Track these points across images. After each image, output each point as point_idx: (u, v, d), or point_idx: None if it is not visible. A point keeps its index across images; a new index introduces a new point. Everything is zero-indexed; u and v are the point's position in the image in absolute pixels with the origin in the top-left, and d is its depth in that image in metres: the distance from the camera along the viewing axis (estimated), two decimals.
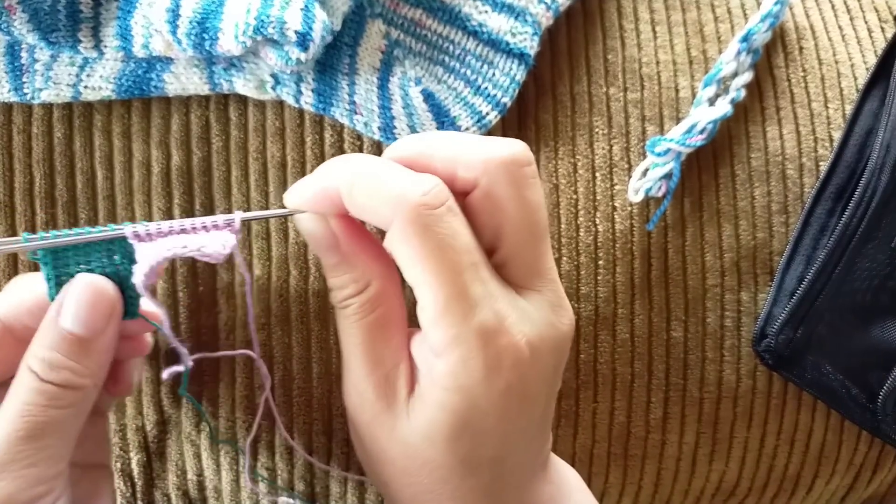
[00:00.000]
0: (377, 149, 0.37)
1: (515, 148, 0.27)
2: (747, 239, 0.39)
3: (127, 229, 0.27)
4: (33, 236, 0.27)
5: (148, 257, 0.27)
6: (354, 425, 0.30)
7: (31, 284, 0.29)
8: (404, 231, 0.25)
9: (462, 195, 0.27)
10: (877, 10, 0.43)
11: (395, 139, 0.36)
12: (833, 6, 0.43)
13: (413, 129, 0.36)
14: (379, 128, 0.36)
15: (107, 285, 0.28)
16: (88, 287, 0.27)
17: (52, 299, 0.28)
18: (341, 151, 0.37)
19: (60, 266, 0.28)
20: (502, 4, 0.37)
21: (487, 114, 0.36)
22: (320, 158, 0.37)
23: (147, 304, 0.29)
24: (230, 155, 0.37)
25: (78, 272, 0.28)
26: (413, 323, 0.28)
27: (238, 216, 0.28)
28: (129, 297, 0.28)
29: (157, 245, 0.27)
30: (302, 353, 0.37)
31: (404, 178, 0.26)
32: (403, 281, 0.28)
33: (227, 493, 0.38)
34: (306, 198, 0.28)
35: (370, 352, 0.29)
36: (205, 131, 0.37)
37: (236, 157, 0.37)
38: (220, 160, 0.37)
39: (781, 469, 0.41)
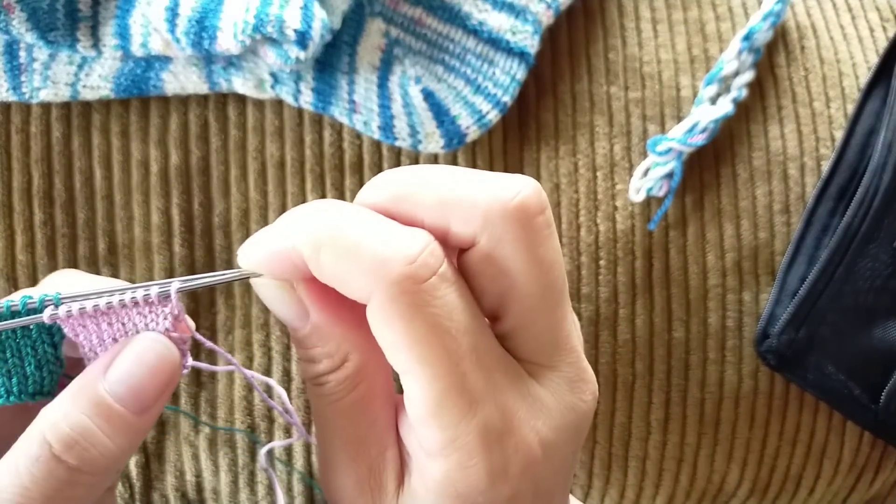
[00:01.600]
0: (377, 148, 0.37)
1: (524, 191, 0.22)
2: (749, 239, 0.39)
3: (45, 314, 0.22)
4: None
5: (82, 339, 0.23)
6: None
7: (74, 280, 0.25)
8: (386, 311, 0.20)
9: (457, 250, 0.23)
10: (878, 9, 0.43)
11: (395, 138, 0.36)
12: (834, 5, 0.43)
13: (413, 128, 0.36)
14: (378, 127, 0.36)
15: (174, 349, 0.22)
16: (152, 348, 0.22)
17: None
18: (340, 150, 0.37)
19: None
20: (503, 3, 0.37)
21: (488, 113, 0.36)
22: (319, 157, 0.37)
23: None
24: (229, 154, 0.37)
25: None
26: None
27: (174, 285, 0.22)
28: (45, 378, 0.23)
29: (86, 328, 0.23)
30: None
31: (385, 238, 0.21)
32: None
33: (226, 494, 0.38)
34: (263, 259, 0.22)
35: (351, 438, 0.23)
36: (203, 130, 0.37)
37: (235, 157, 0.37)
38: (219, 159, 0.37)
39: (783, 470, 0.41)
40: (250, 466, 0.38)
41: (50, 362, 0.23)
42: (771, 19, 0.39)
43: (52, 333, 0.23)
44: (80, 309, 0.22)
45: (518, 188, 0.22)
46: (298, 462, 0.38)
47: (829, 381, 0.39)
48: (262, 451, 0.36)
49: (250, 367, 0.37)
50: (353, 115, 0.36)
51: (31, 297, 0.22)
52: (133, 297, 0.22)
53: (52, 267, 0.36)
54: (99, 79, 0.35)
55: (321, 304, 0.23)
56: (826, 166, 0.40)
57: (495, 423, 0.21)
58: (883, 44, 0.42)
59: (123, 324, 0.23)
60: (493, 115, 0.36)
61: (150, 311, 0.22)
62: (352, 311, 0.23)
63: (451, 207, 0.22)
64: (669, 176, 0.38)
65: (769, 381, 0.40)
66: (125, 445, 0.22)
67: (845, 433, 0.41)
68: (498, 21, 0.37)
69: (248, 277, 0.23)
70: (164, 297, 0.22)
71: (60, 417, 0.21)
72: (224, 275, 0.23)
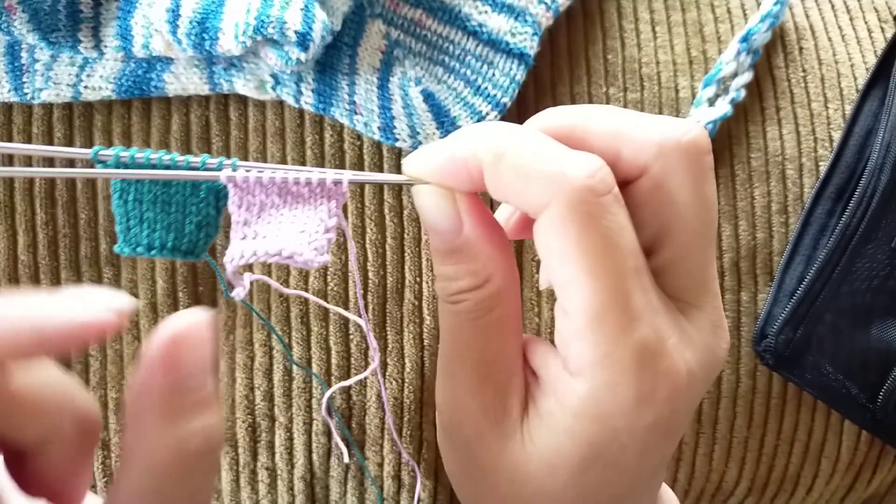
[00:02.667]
0: (377, 149, 0.37)
1: (695, 130, 0.22)
2: (747, 239, 0.39)
3: (222, 174, 0.23)
4: (107, 153, 0.23)
5: (235, 252, 0.23)
6: (450, 440, 0.25)
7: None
8: (563, 219, 0.20)
9: (623, 183, 0.23)
10: (876, 11, 0.43)
11: (395, 139, 0.36)
12: (833, 6, 0.43)
13: (413, 129, 0.36)
14: (379, 128, 0.36)
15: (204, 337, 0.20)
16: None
17: (119, 249, 0.23)
18: (341, 151, 0.37)
19: (134, 198, 0.23)
20: (502, 4, 0.37)
21: (487, 114, 0.36)
22: (320, 158, 0.37)
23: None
24: (230, 155, 0.37)
25: (159, 217, 0.23)
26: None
27: (347, 177, 0.23)
28: (200, 240, 0.24)
29: (245, 245, 0.23)
30: (302, 352, 0.37)
31: (565, 154, 0.21)
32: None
33: (227, 492, 0.38)
34: (434, 167, 0.23)
35: (481, 359, 0.24)
36: (205, 131, 0.37)
37: (236, 157, 0.37)
38: None
39: (781, 469, 0.41)
40: (251, 465, 0.38)
41: (210, 225, 0.24)
42: (769, 21, 0.39)
43: (219, 198, 0.24)
44: (257, 177, 0.23)
45: (690, 126, 0.22)
46: (299, 461, 0.38)
47: (826, 380, 0.39)
48: (325, 398, 0.36)
49: (251, 367, 0.37)
50: (353, 116, 0.36)
51: (210, 157, 0.23)
52: (308, 178, 0.23)
53: (54, 267, 0.36)
54: (100, 80, 0.36)
55: (476, 220, 0.23)
56: (824, 167, 0.40)
57: (651, 343, 0.21)
58: (881, 45, 0.42)
59: (287, 207, 0.23)
60: (493, 117, 0.36)
61: (314, 202, 0.23)
62: (500, 235, 0.24)
63: (624, 137, 0.22)
64: None
65: (767, 381, 0.40)
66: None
67: (843, 432, 0.41)
68: (497, 23, 0.37)
69: (415, 184, 0.23)
70: (334, 185, 0.23)
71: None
72: (394, 177, 0.24)
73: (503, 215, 0.27)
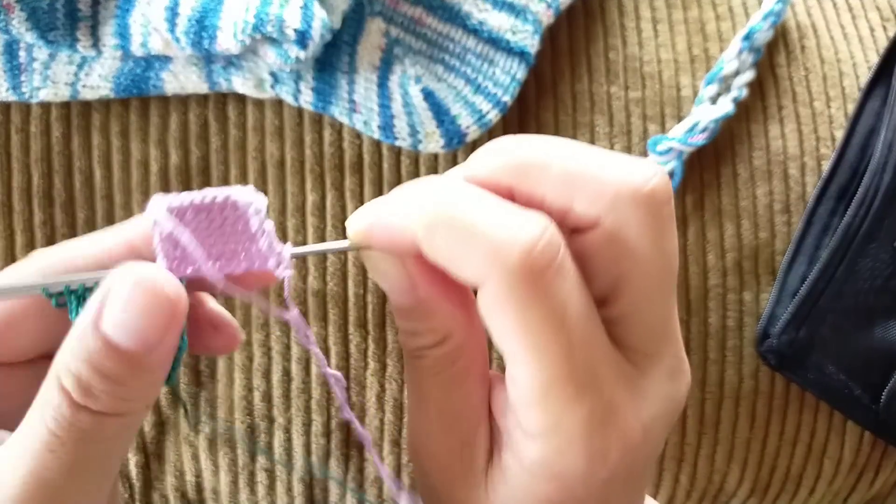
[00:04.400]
0: (377, 147, 0.37)
1: (656, 178, 0.21)
2: (749, 238, 0.39)
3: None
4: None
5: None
6: (421, 483, 0.26)
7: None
8: (500, 298, 0.19)
9: (574, 231, 0.22)
10: (878, 9, 0.43)
11: (395, 138, 0.36)
12: (835, 4, 0.43)
13: (413, 128, 0.36)
14: (378, 126, 0.36)
15: (166, 283, 0.20)
16: (140, 287, 0.20)
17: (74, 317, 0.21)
18: (340, 150, 0.37)
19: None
20: (503, 2, 0.37)
21: (488, 112, 0.36)
22: (319, 157, 0.37)
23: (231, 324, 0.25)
24: (229, 154, 0.37)
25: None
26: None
27: (288, 251, 0.23)
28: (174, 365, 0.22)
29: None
30: (301, 353, 0.37)
31: (502, 221, 0.20)
32: None
33: (226, 494, 0.38)
34: (375, 234, 0.22)
35: (446, 411, 0.24)
36: (203, 130, 0.37)
37: (235, 156, 0.37)
38: (219, 159, 0.37)
39: (784, 470, 0.41)
40: (250, 466, 0.38)
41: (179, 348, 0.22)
42: (771, 19, 0.39)
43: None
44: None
45: (649, 174, 0.21)
46: (298, 463, 0.38)
47: (829, 380, 0.39)
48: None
49: (250, 368, 0.37)
50: (353, 114, 0.36)
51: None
52: (247, 250, 0.22)
53: None
54: (99, 78, 0.35)
55: (429, 281, 0.23)
56: (826, 166, 0.40)
57: (599, 411, 0.21)
58: (883, 43, 0.42)
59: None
60: (494, 115, 0.36)
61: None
62: (457, 290, 0.23)
63: (577, 185, 0.21)
64: (670, 175, 0.38)
65: (770, 381, 0.40)
66: (142, 384, 0.21)
67: (846, 433, 0.41)
68: (498, 21, 0.36)
69: (359, 249, 0.23)
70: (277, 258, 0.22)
71: (70, 364, 0.20)
72: (336, 245, 0.24)
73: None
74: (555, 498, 0.22)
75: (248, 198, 0.22)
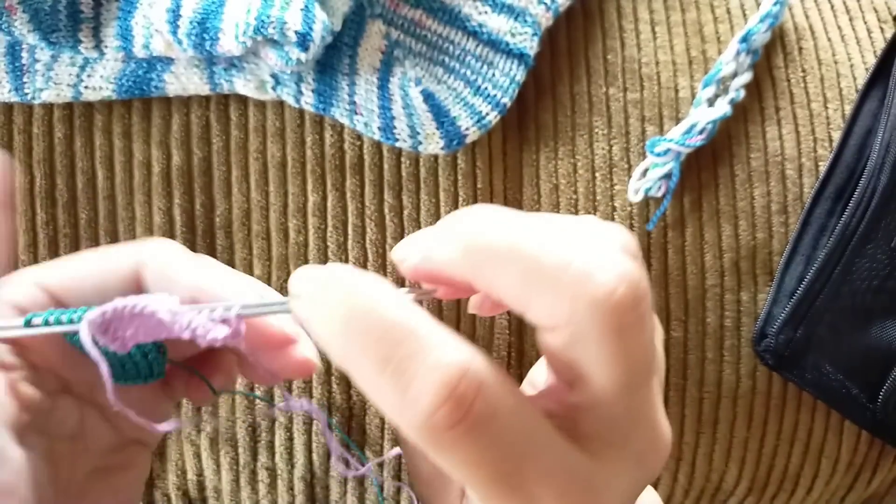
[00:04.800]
0: (377, 149, 0.37)
1: (621, 287, 0.18)
2: (747, 239, 0.39)
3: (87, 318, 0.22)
4: (38, 320, 0.22)
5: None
6: (418, 493, 0.26)
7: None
8: (425, 446, 0.18)
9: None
10: (876, 11, 0.43)
11: (396, 139, 0.36)
12: (832, 6, 0.43)
13: (413, 129, 0.36)
14: (379, 128, 0.36)
15: None
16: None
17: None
18: (341, 151, 0.37)
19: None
20: (502, 5, 0.37)
21: (487, 114, 0.36)
22: (320, 158, 0.37)
23: (309, 351, 0.25)
24: (230, 155, 0.37)
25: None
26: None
27: (236, 308, 0.22)
28: (156, 361, 0.24)
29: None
30: None
31: (418, 367, 0.18)
32: None
33: (227, 492, 0.38)
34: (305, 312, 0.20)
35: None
36: (205, 131, 0.37)
37: (236, 157, 0.37)
38: (221, 160, 0.37)
39: (781, 469, 0.41)
40: (251, 465, 0.38)
41: (154, 348, 0.24)
42: (769, 21, 0.39)
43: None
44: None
45: (612, 280, 0.18)
46: (299, 461, 0.38)
47: (826, 380, 0.39)
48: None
49: None
50: (353, 116, 0.36)
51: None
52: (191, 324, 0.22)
53: None
54: (101, 80, 0.36)
55: None
56: (824, 167, 0.40)
57: None
58: (881, 45, 0.42)
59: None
60: (493, 117, 0.36)
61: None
62: None
63: (534, 290, 0.19)
64: (668, 177, 0.38)
65: (767, 381, 0.40)
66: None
67: (843, 432, 0.41)
68: (497, 23, 0.37)
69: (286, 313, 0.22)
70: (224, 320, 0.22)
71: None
72: (279, 304, 0.22)
73: (476, 299, 0.25)
74: None
75: (155, 305, 0.22)
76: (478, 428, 0.18)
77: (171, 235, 0.37)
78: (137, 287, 0.24)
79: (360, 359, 0.18)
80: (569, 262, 0.19)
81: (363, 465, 0.38)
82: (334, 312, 0.19)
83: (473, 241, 0.20)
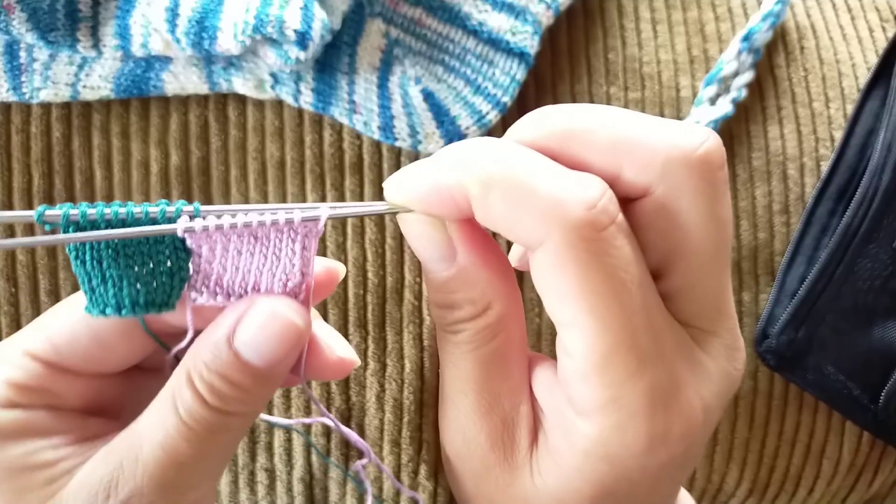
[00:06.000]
0: (376, 148, 0.37)
1: (709, 142, 0.20)
2: (749, 239, 0.39)
3: (179, 227, 0.21)
4: (53, 213, 0.21)
5: (202, 286, 0.22)
6: (457, 473, 0.24)
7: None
8: (561, 257, 0.19)
9: (626, 200, 0.21)
10: (878, 10, 0.43)
11: (395, 139, 0.36)
12: (834, 5, 0.43)
13: (412, 129, 0.36)
14: (378, 127, 0.36)
15: (295, 318, 0.22)
16: (276, 319, 0.22)
17: (88, 311, 0.22)
18: (340, 151, 0.37)
19: (97, 262, 0.22)
20: (503, 3, 0.37)
21: (487, 113, 0.36)
22: (319, 158, 0.37)
23: (345, 350, 0.25)
24: (229, 154, 0.37)
25: (123, 274, 0.22)
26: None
27: (325, 212, 0.21)
28: (174, 288, 0.23)
29: (212, 270, 0.22)
30: None
31: (560, 181, 0.19)
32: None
33: (226, 494, 0.38)
34: (419, 195, 0.21)
35: (485, 389, 0.23)
36: (203, 131, 0.37)
37: (235, 157, 0.37)
38: (219, 159, 0.37)
39: (783, 470, 0.41)
40: (250, 466, 0.38)
41: (182, 269, 0.22)
42: (770, 20, 0.39)
43: (186, 243, 0.22)
44: (217, 226, 0.21)
45: (702, 138, 0.20)
46: (298, 462, 0.38)
47: (828, 381, 0.39)
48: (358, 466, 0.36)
49: None
50: (353, 115, 0.36)
51: (168, 204, 0.22)
52: (274, 219, 0.21)
53: (52, 267, 0.36)
54: (99, 79, 0.35)
55: (471, 247, 0.22)
56: (825, 166, 0.40)
57: (663, 385, 0.20)
58: (882, 44, 0.42)
59: (258, 246, 0.22)
60: (493, 116, 0.36)
61: (287, 239, 0.21)
62: (498, 259, 0.22)
63: (625, 152, 0.20)
64: None
65: (769, 382, 0.40)
66: (262, 395, 0.23)
67: (844, 433, 0.41)
68: (498, 21, 0.37)
69: (399, 213, 0.22)
70: (309, 222, 0.21)
71: (204, 373, 0.21)
72: (374, 206, 0.22)
73: (517, 250, 0.25)
74: (608, 481, 0.21)
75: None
76: (625, 234, 0.19)
77: None
78: (136, 325, 0.24)
79: (520, 165, 0.19)
80: (658, 125, 0.20)
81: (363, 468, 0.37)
82: (494, 150, 0.20)
83: (559, 119, 0.20)
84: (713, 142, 0.20)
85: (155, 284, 0.22)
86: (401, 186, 0.21)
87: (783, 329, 0.38)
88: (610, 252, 0.19)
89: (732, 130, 0.39)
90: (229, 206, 0.22)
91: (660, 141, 0.20)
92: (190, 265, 0.22)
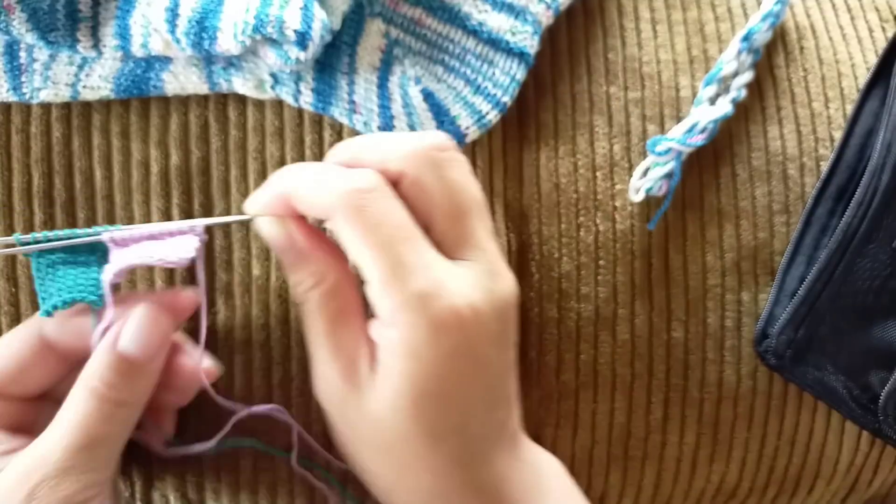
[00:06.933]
0: None
1: (435, 137, 0.30)
2: (748, 239, 0.39)
3: (104, 235, 0.31)
4: (17, 239, 0.31)
5: (117, 262, 0.31)
6: (328, 414, 0.31)
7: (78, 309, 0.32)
8: (343, 215, 0.28)
9: (395, 184, 0.30)
10: (878, 10, 0.44)
11: None
12: (834, 5, 0.43)
13: (412, 129, 0.36)
14: (378, 127, 0.36)
15: (163, 315, 0.31)
16: (148, 314, 0.31)
17: (44, 312, 0.31)
18: None
19: (48, 270, 0.31)
20: (502, 3, 0.37)
21: (487, 113, 0.36)
22: (319, 158, 0.37)
23: (206, 362, 0.33)
24: (229, 154, 0.37)
25: (60, 275, 0.31)
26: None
27: (201, 222, 0.32)
28: (94, 285, 0.31)
29: (126, 252, 0.31)
30: (300, 353, 0.37)
31: (340, 173, 0.29)
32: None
33: (226, 495, 0.38)
34: (263, 203, 0.31)
35: (332, 338, 0.30)
36: (203, 131, 0.37)
37: (235, 157, 0.37)
38: (219, 160, 0.37)
39: (782, 470, 0.41)
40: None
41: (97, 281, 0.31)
42: (770, 20, 0.39)
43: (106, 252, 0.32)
44: (130, 234, 0.32)
45: (430, 135, 0.31)
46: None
47: (828, 381, 0.39)
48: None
49: (250, 369, 0.37)
50: (353, 115, 0.36)
51: (99, 228, 0.32)
52: (170, 230, 0.32)
53: None
54: (99, 79, 0.36)
55: (304, 236, 0.31)
56: (825, 166, 0.40)
57: (430, 288, 0.28)
58: (882, 44, 0.42)
59: (157, 242, 0.31)
60: (493, 116, 0.36)
61: (174, 248, 0.31)
62: (327, 243, 0.31)
63: (387, 155, 0.30)
64: (669, 176, 0.38)
65: (768, 381, 0.40)
66: (145, 385, 0.31)
67: (844, 433, 0.41)
68: (497, 21, 0.37)
69: (255, 217, 0.31)
70: (193, 229, 0.32)
71: (97, 371, 0.30)
72: (238, 217, 0.33)
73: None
74: (417, 372, 0.28)
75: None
76: (384, 194, 0.29)
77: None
78: (50, 350, 0.32)
79: (317, 171, 0.31)
80: (407, 135, 0.33)
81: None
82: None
83: (353, 146, 0.32)
84: (440, 136, 0.31)
85: (91, 280, 0.31)
86: (254, 200, 0.31)
87: (783, 329, 0.38)
88: (373, 205, 0.28)
89: (732, 130, 0.39)
90: (133, 226, 0.32)
91: (405, 143, 0.30)
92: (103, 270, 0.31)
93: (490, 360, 0.30)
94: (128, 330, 0.30)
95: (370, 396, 0.29)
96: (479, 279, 0.29)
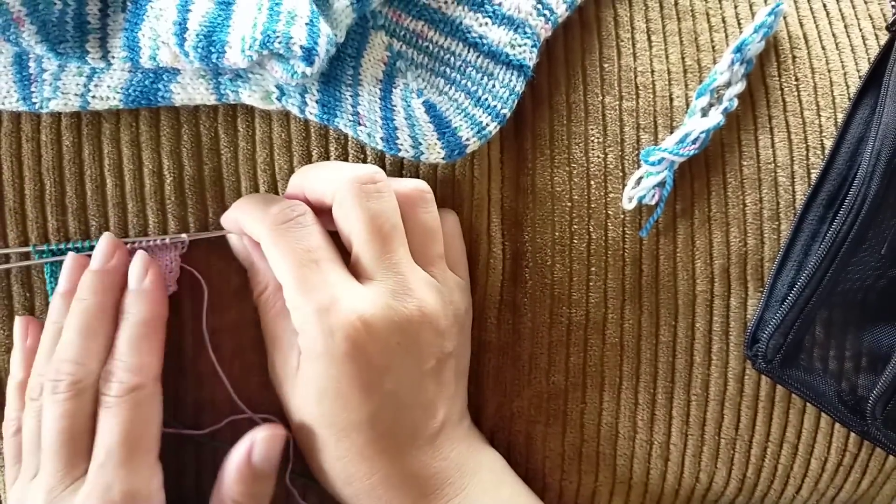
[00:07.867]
0: (380, 159, 0.38)
1: (364, 170, 0.34)
2: (738, 245, 0.40)
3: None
4: (33, 249, 0.36)
5: None
6: (280, 397, 0.36)
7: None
8: (267, 238, 0.33)
9: (322, 211, 0.35)
10: (871, 18, 0.43)
11: (398, 150, 0.37)
12: (828, 13, 0.43)
13: (415, 140, 0.36)
14: (382, 138, 0.36)
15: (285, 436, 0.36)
16: (276, 437, 0.35)
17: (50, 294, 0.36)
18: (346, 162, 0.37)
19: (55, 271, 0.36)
20: (502, 17, 0.37)
21: (487, 125, 0.37)
22: None
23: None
24: (239, 166, 0.37)
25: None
26: None
27: (185, 236, 0.36)
28: None
29: None
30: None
31: (267, 203, 0.34)
32: None
33: None
34: (230, 220, 0.36)
35: (274, 335, 0.36)
36: (214, 143, 0.37)
37: (245, 169, 0.37)
38: (230, 171, 0.37)
39: (771, 470, 0.42)
40: None
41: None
42: (763, 31, 0.39)
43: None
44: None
45: (360, 168, 0.35)
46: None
47: (816, 384, 0.39)
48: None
49: (263, 367, 0.38)
50: (357, 126, 0.36)
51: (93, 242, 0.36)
52: (154, 241, 0.36)
53: None
54: (108, 90, 0.36)
55: (254, 249, 0.36)
56: (816, 174, 0.40)
57: (325, 302, 0.32)
58: (874, 53, 0.42)
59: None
60: (493, 127, 0.37)
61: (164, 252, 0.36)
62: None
63: (324, 186, 0.35)
64: (661, 185, 0.38)
65: (756, 384, 0.40)
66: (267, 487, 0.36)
67: (833, 434, 0.41)
68: (498, 35, 0.37)
69: (225, 234, 0.37)
70: (175, 242, 0.37)
71: (234, 485, 0.35)
72: (217, 232, 0.37)
73: None
74: (316, 372, 0.33)
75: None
76: (300, 224, 0.34)
77: None
78: None
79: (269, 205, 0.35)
80: (337, 169, 0.35)
81: None
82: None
83: (299, 178, 0.37)
84: (368, 169, 0.35)
85: None
86: (225, 220, 0.37)
87: (773, 333, 0.38)
88: (287, 234, 0.34)
89: (724, 139, 0.40)
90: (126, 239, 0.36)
91: (336, 173, 0.34)
92: None
93: (390, 368, 0.33)
94: (259, 447, 0.35)
95: (298, 389, 0.34)
96: (379, 296, 0.33)
